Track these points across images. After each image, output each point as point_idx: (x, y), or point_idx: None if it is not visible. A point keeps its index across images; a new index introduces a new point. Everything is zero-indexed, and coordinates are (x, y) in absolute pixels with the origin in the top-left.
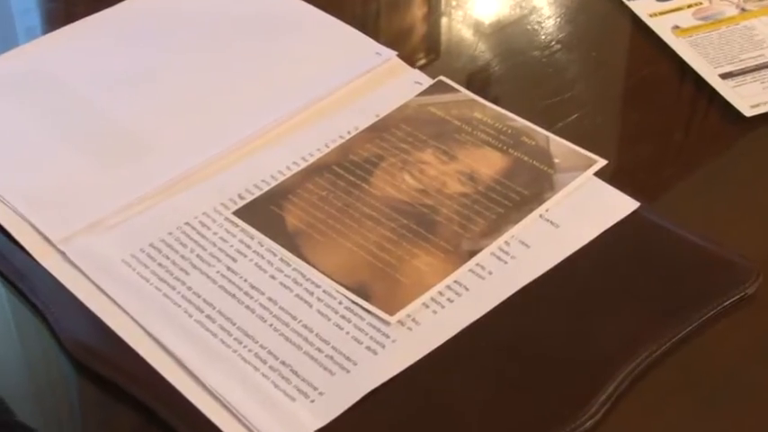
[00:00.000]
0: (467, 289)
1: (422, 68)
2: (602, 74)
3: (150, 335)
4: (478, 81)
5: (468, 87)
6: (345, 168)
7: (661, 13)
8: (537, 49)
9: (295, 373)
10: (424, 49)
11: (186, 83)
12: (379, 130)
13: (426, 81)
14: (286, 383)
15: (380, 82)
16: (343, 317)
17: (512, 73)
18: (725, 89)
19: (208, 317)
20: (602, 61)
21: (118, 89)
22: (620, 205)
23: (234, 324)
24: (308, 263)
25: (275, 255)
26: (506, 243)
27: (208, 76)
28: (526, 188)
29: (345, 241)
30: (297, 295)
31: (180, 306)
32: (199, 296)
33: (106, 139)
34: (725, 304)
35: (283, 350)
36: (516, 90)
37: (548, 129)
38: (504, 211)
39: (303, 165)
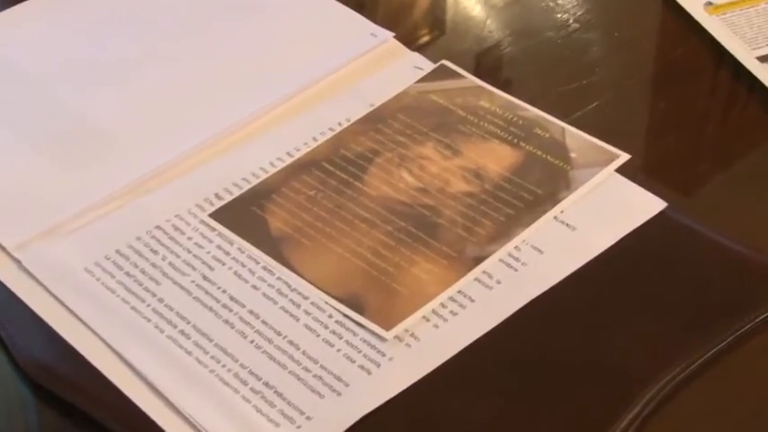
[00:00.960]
0: (472, 300)
1: (422, 51)
2: (626, 57)
3: (117, 353)
4: (486, 65)
5: (474, 72)
6: (336, 165)
7: None
8: (552, 28)
9: (279, 395)
10: (425, 30)
11: (158, 70)
12: (373, 121)
13: (427, 65)
14: (269, 407)
15: (375, 67)
16: (333, 332)
17: (523, 56)
18: (764, 73)
19: (181, 332)
20: (626, 42)
21: (80, 78)
22: (645, 205)
23: (211, 341)
24: (295, 271)
25: (257, 262)
26: (517, 248)
27: (182, 62)
28: (539, 186)
29: (336, 247)
30: (282, 308)
31: (150, 320)
32: (171, 309)
33: (66, 134)
34: (762, 317)
35: (266, 370)
36: (528, 75)
37: (564, 119)
38: (515, 212)
39: (288, 161)
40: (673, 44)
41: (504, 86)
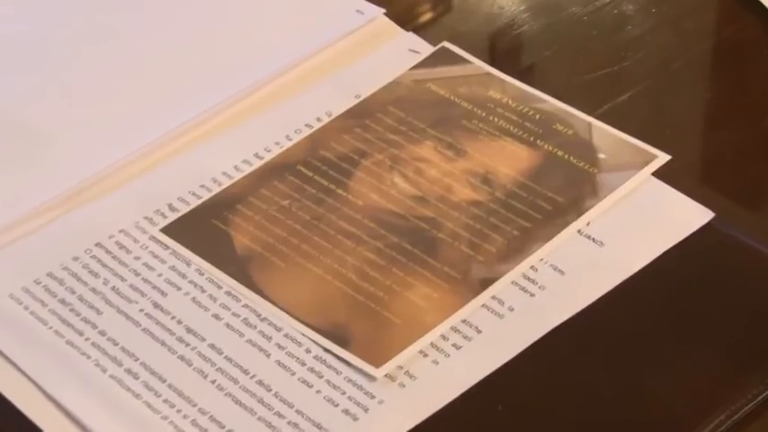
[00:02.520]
0: (479, 331)
1: (419, 31)
2: (666, 37)
3: (49, 396)
4: (496, 48)
5: (481, 56)
6: (314, 168)
7: None
8: (577, 3)
9: None
10: (423, 6)
11: (100, 54)
12: (360, 115)
13: (425, 48)
14: None
15: (362, 50)
16: (311, 370)
17: (542, 36)
18: None
19: (128, 371)
20: (666, 20)
21: (3, 64)
22: (689, 216)
23: (163, 381)
24: (265, 297)
25: (219, 286)
26: (533, 269)
27: (126, 42)
28: (560, 194)
29: (315, 267)
30: (249, 341)
31: (90, 357)
32: (116, 344)
33: None
34: None
35: (231, 416)
36: (548, 60)
37: (590, 113)
38: (531, 224)
39: (257, 164)
40: (723, 21)
41: (519, 73)
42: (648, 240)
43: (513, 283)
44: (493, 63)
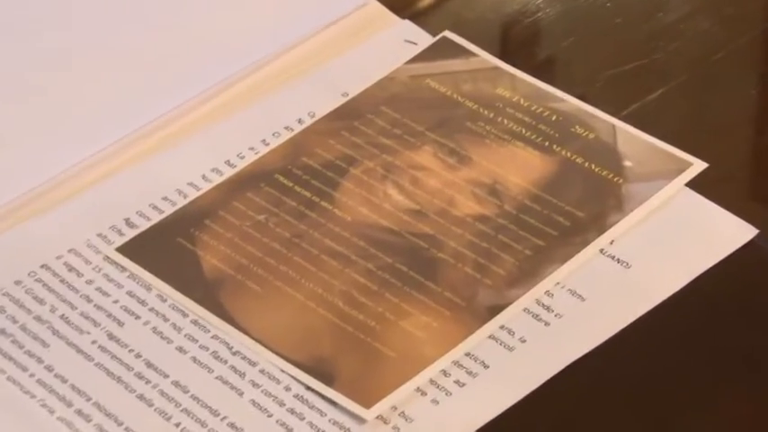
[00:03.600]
0: (486, 366)
1: (416, 19)
2: (704, 25)
3: None
4: (507, 38)
5: (489, 48)
6: (296, 178)
7: None
8: None
9: None
10: None
11: (46, 45)
12: (348, 116)
13: (423, 39)
14: None
15: (351, 41)
16: (291, 411)
17: (560, 24)
18: None
19: (79, 413)
20: (705, 5)
21: None
22: (728, 233)
23: (120, 424)
24: (237, 326)
25: (185, 314)
26: (548, 294)
27: (81, 35)
28: (579, 207)
29: (295, 292)
30: (219, 377)
31: (35, 396)
32: (64, 381)
33: None
34: None
35: None
36: (566, 52)
37: (615, 113)
38: (545, 243)
39: (228, 173)
40: None
41: (532, 68)
42: (682, 261)
43: (525, 310)
44: (502, 56)
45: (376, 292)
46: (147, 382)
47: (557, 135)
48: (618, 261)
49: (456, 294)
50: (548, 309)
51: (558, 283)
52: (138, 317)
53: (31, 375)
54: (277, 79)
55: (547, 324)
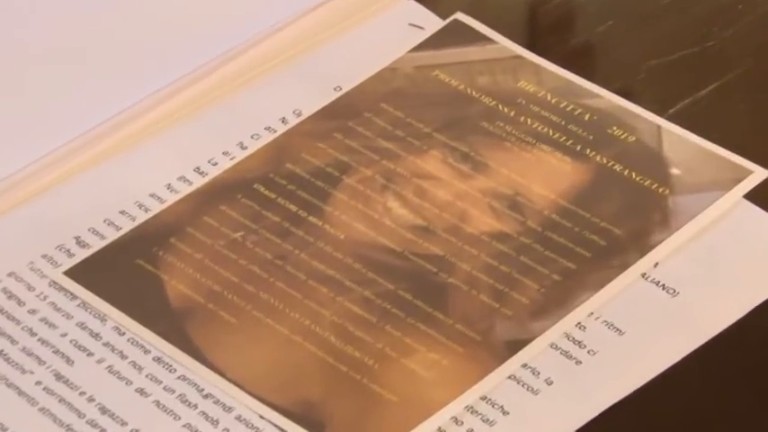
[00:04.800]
0: (505, 412)
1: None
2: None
3: None
4: (531, 22)
5: (510, 33)
6: (278, 188)
7: None
8: None
9: None
10: None
11: None
12: (341, 115)
13: (431, 22)
14: None
15: (344, 25)
16: None
17: (595, 6)
18: None
19: None
20: None
21: None
22: None
23: None
24: (209, 365)
25: (147, 351)
26: (580, 327)
27: (24, 18)
28: (617, 223)
29: (278, 325)
30: (188, 426)
31: None
32: (4, 429)
33: None
34: None
35: None
36: (602, 39)
37: (660, 112)
38: (576, 266)
39: (198, 182)
40: None
41: (562, 57)
42: (739, 287)
43: (552, 346)
44: (526, 42)
45: (374, 325)
46: (102, 430)
47: (590, 137)
48: (663, 288)
49: (470, 327)
50: (579, 344)
51: (591, 314)
52: (90, 353)
53: None
54: (256, 70)
55: (578, 362)
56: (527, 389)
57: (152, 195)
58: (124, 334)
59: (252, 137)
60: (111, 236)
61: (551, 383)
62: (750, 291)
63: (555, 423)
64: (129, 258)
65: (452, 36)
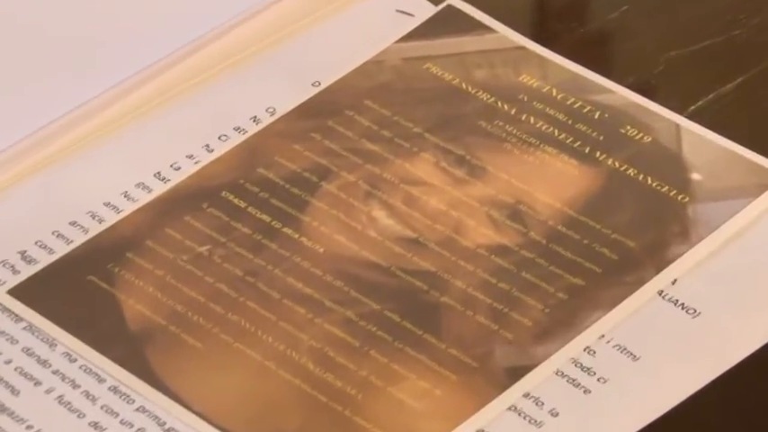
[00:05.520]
0: None
1: None
2: None
3: None
4: (536, 8)
5: (511, 21)
6: (250, 196)
7: None
8: None
9: None
10: None
11: None
12: (320, 113)
13: (422, 8)
14: None
15: (324, 11)
16: None
17: None
18: None
19: None
20: None
21: None
22: None
23: None
24: (171, 395)
25: (101, 379)
26: (589, 351)
27: None
28: (631, 235)
29: (249, 350)
30: None
31: None
32: None
33: None
34: None
35: None
36: (616, 27)
37: (680, 109)
38: (585, 283)
39: (159, 189)
40: None
41: (570, 48)
42: (767, 308)
43: (557, 373)
44: (529, 31)
45: (358, 350)
46: None
47: (601, 138)
48: (682, 307)
49: (465, 352)
50: (588, 371)
51: (601, 337)
52: (38, 382)
53: None
54: (223, 63)
55: (587, 391)
56: (529, 421)
57: (107, 204)
58: (76, 360)
59: (219, 138)
60: (61, 250)
61: (557, 415)
62: None
63: None
64: (80, 275)
65: (446, 24)
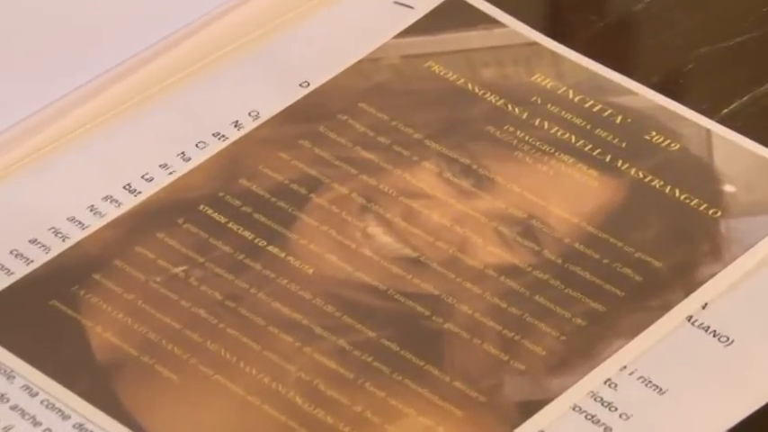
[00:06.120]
0: None
1: None
2: None
3: None
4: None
5: (522, 14)
6: (231, 211)
7: None
8: None
9: None
10: None
11: None
12: (309, 117)
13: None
14: None
15: (313, 3)
16: None
17: None
18: None
19: None
20: None
21: None
22: None
23: None
24: None
25: (65, 416)
26: (609, 384)
27: None
28: (657, 254)
29: (231, 383)
30: None
31: None
32: None
33: None
34: None
35: None
36: (640, 20)
37: (711, 113)
38: (606, 308)
39: (129, 203)
40: None
41: (588, 44)
42: None
43: (574, 408)
44: (542, 25)
45: (352, 382)
46: None
47: (623, 145)
48: (714, 334)
49: (472, 385)
50: (609, 406)
51: (624, 368)
52: None
53: None
54: (201, 63)
55: (607, 429)
56: None
57: (71, 219)
58: (37, 394)
59: (197, 145)
60: (20, 271)
61: None
62: None
63: None
64: (41, 299)
65: (449, 17)
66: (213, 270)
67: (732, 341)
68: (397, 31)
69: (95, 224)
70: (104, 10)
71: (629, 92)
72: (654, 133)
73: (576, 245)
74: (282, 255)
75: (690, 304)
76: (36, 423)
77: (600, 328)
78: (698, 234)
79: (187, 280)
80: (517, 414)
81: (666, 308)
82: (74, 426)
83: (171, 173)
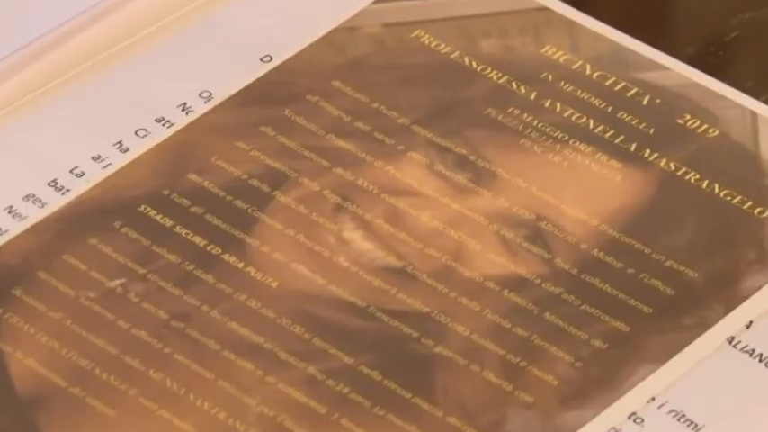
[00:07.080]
0: None
1: None
2: None
3: None
4: None
5: None
6: (177, 211)
7: None
8: None
9: None
10: None
11: None
12: (272, 98)
13: None
14: None
15: None
16: None
17: None
18: None
19: None
20: None
21: None
22: None
23: None
24: None
25: None
26: (635, 419)
27: None
28: (691, 263)
29: (178, 419)
30: None
31: None
32: None
33: None
34: None
35: None
36: None
37: (756, 93)
38: (630, 327)
39: (55, 202)
40: None
41: (609, 9)
42: None
43: None
44: None
45: (324, 418)
46: None
47: (651, 132)
48: (760, 359)
49: (469, 421)
50: None
51: (652, 400)
52: None
53: None
54: (139, 35)
55: None
56: None
57: None
58: None
59: (136, 133)
60: None
61: None
62: None
63: None
64: None
65: None
66: (157, 284)
67: None
68: None
69: (14, 229)
70: None
71: (659, 67)
72: (688, 117)
73: (595, 252)
74: (240, 265)
75: (731, 323)
76: None
77: (623, 351)
78: (741, 238)
79: (126, 295)
80: None
81: (703, 327)
82: None
83: (105, 167)
